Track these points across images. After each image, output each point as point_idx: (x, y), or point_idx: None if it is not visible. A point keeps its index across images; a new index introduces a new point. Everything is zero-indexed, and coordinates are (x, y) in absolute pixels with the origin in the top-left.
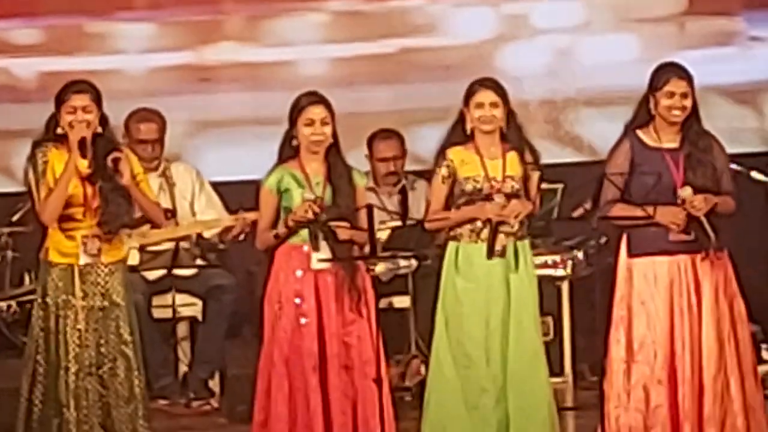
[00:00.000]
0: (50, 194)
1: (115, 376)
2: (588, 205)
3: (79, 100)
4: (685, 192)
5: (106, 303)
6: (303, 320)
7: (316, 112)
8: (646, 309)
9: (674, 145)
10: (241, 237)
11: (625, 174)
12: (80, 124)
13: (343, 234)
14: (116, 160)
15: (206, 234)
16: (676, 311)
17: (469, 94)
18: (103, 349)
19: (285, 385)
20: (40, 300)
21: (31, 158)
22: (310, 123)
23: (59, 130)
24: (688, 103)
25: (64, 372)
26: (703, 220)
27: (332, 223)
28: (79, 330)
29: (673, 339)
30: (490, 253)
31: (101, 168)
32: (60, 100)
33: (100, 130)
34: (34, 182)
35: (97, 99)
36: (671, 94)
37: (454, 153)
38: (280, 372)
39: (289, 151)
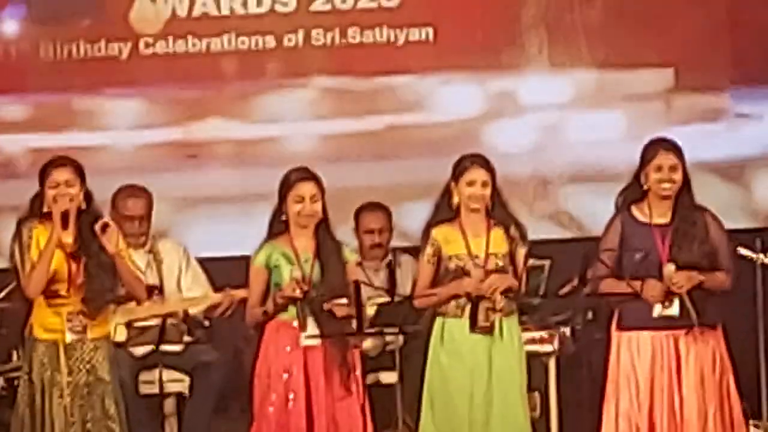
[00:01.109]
0: (34, 268)
1: None
2: (576, 281)
3: (61, 174)
4: (668, 269)
5: (91, 379)
6: (291, 396)
7: (306, 189)
8: (630, 384)
9: (664, 220)
10: (228, 313)
11: (615, 250)
12: (63, 198)
13: (340, 311)
14: (105, 226)
15: (192, 311)
16: (656, 386)
17: (461, 170)
18: (89, 425)
19: None
20: (25, 376)
21: (17, 235)
22: (300, 200)
23: (45, 208)
24: (677, 176)
25: None
26: (685, 297)
27: (334, 301)
28: (65, 406)
29: (652, 416)
30: (473, 327)
31: (86, 243)
32: (43, 176)
33: (84, 206)
34: (19, 258)
35: (80, 173)
36: (659, 168)
37: (438, 232)
38: None
39: (278, 227)
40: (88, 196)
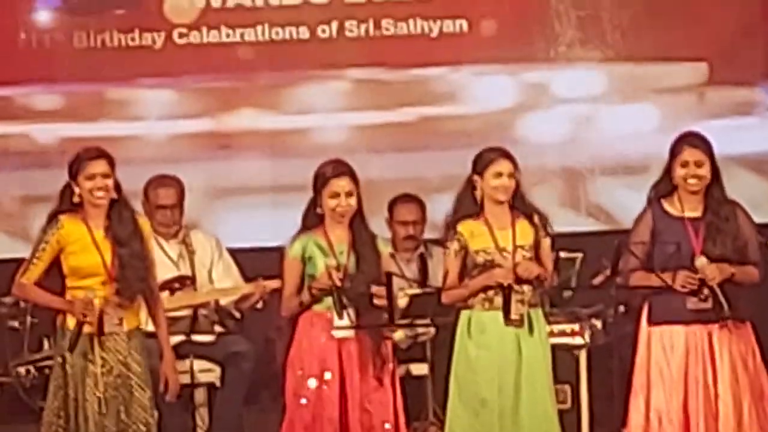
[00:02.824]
0: (32, 290)
1: None
2: (608, 272)
3: (98, 166)
4: (700, 261)
5: (124, 369)
6: (324, 387)
7: (341, 185)
8: (663, 378)
9: (696, 214)
10: (259, 305)
11: (646, 243)
12: (101, 190)
13: (380, 299)
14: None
15: (223, 301)
16: (690, 381)
17: (485, 162)
18: (122, 416)
19: None
20: (59, 368)
21: (42, 231)
22: (335, 196)
23: (75, 199)
24: (703, 171)
25: None
26: (717, 290)
27: (374, 288)
28: (99, 397)
29: (687, 409)
30: (506, 319)
31: (118, 233)
32: (75, 168)
33: (115, 195)
34: (31, 251)
35: (112, 164)
36: (686, 164)
37: (464, 226)
38: None
39: (313, 219)
40: (118, 186)
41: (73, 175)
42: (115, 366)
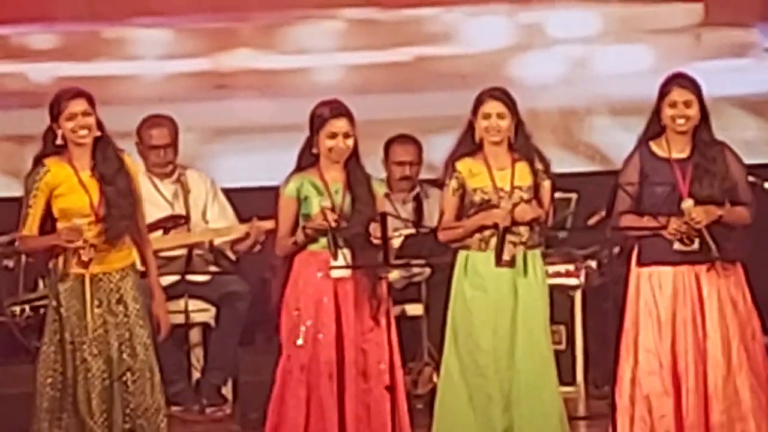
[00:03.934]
0: (32, 238)
1: (134, 382)
2: (604, 213)
3: (78, 105)
4: (686, 204)
5: (120, 308)
6: (320, 326)
7: (339, 125)
8: (652, 318)
9: (683, 155)
10: (257, 248)
11: (634, 184)
12: (83, 129)
13: (377, 238)
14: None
15: (217, 242)
16: (679, 322)
17: (477, 103)
18: (124, 355)
19: (301, 392)
20: (53, 311)
21: (28, 177)
22: (333, 136)
23: (59, 141)
24: (691, 112)
25: (84, 383)
26: (704, 232)
27: (372, 226)
28: (96, 338)
29: (675, 350)
30: (498, 261)
31: (103, 171)
32: (56, 110)
33: (98, 133)
34: (25, 206)
35: (92, 103)
36: (674, 104)
37: (463, 165)
38: (296, 378)
39: (308, 159)
40: (100, 125)
41: (54, 116)
42: (110, 305)
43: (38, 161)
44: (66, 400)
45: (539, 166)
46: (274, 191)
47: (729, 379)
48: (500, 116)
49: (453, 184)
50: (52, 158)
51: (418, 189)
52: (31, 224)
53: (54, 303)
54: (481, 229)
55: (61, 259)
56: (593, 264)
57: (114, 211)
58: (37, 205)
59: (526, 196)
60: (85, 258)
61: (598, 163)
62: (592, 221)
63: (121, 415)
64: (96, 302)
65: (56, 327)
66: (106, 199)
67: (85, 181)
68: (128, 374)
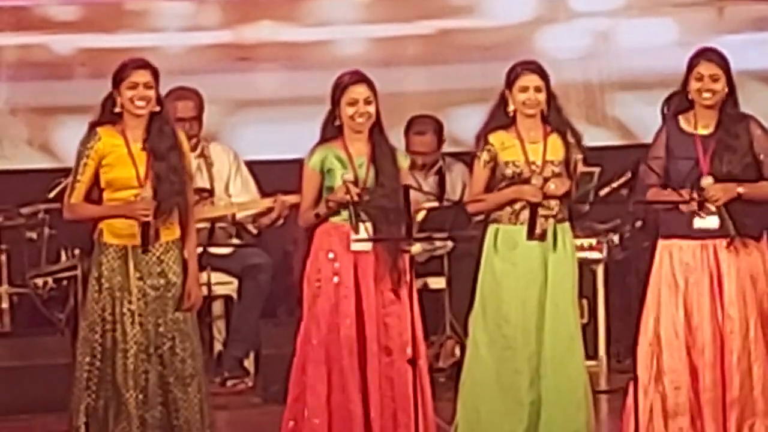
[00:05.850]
0: (81, 206)
1: (174, 355)
2: (616, 184)
3: (142, 76)
4: (705, 181)
5: (162, 282)
6: (341, 299)
7: (359, 91)
8: (670, 292)
9: (708, 131)
10: (280, 222)
11: (661, 158)
12: (142, 100)
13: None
14: None
15: (239, 216)
16: (697, 296)
17: (513, 77)
18: (161, 329)
19: (322, 364)
20: (95, 282)
21: (81, 144)
22: (353, 102)
23: (117, 109)
24: (717, 86)
25: (122, 354)
26: (722, 210)
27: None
28: (136, 311)
29: (692, 324)
30: (530, 235)
31: (156, 146)
32: (119, 77)
33: (157, 108)
34: (74, 173)
35: (156, 76)
36: (700, 77)
37: (495, 137)
38: (317, 351)
39: (332, 131)
40: (160, 100)
41: (116, 83)
42: (152, 278)
43: (92, 128)
44: (105, 371)
45: (571, 139)
46: (297, 164)
47: (744, 354)
48: (537, 89)
49: (485, 156)
50: (105, 127)
51: (440, 162)
52: (80, 192)
53: (95, 274)
54: (512, 202)
55: (105, 232)
56: (615, 238)
57: (166, 187)
58: (87, 173)
59: (557, 170)
60: (151, 231)
61: (620, 137)
62: (603, 192)
63: (156, 388)
64: (137, 274)
65: (97, 297)
66: (155, 174)
67: (135, 153)
68: (165, 347)
